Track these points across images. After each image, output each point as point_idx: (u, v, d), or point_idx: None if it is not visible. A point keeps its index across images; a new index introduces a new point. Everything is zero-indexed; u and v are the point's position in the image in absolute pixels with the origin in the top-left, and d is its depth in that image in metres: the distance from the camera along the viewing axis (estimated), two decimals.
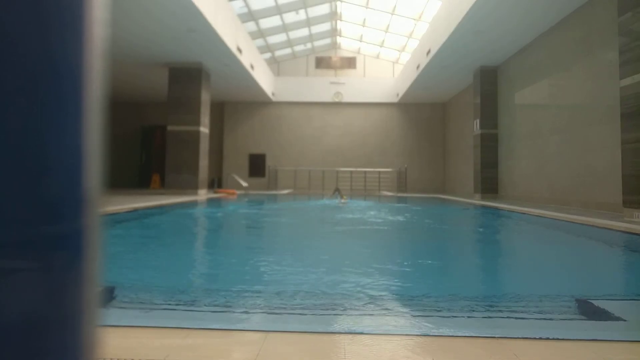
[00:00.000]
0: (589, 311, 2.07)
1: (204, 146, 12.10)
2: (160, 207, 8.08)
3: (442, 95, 16.46)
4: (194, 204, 9.65)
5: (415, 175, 17.68)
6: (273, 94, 17.52)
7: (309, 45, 18.65)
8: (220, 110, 17.87)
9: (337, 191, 11.01)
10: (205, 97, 12.08)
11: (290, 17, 15.52)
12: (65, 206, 0.50)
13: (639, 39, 5.73)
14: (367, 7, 15.12)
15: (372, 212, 8.37)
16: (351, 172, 17.43)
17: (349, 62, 19.34)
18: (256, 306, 2.15)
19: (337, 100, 17.88)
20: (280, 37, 17.20)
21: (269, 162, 17.91)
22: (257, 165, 18.03)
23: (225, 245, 4.89)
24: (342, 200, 10.41)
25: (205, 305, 2.16)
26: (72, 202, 0.51)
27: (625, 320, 1.91)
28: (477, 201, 10.67)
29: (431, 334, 1.67)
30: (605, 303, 2.17)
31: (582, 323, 1.93)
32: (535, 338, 1.61)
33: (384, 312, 2.05)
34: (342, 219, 7.09)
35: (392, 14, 14.91)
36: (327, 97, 17.94)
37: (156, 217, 7.05)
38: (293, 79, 18.36)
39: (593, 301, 2.19)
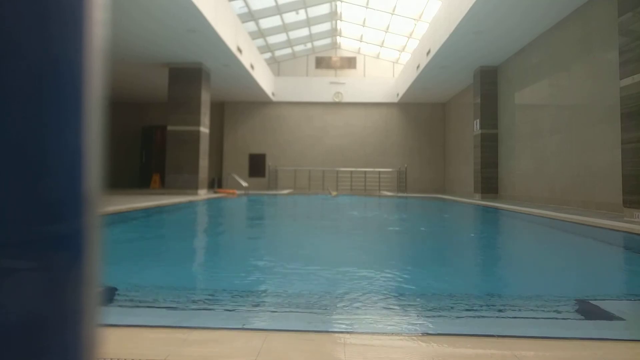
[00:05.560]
0: (589, 311, 2.07)
1: (204, 146, 12.10)
2: (160, 207, 8.08)
3: (442, 96, 16.46)
4: (194, 203, 9.65)
5: (415, 175, 17.68)
6: (273, 94, 17.52)
7: (309, 45, 18.64)
8: (220, 110, 17.88)
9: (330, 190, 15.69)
10: (205, 97, 12.09)
11: (290, 17, 15.51)
12: (65, 206, 0.50)
13: (639, 39, 5.74)
14: (367, 7, 15.12)
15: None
16: (351, 172, 17.43)
17: (349, 62, 19.34)
18: (256, 306, 2.15)
19: (337, 100, 17.88)
20: (280, 37, 17.19)
21: (269, 162, 17.91)
22: (257, 165, 18.03)
23: (234, 235, 4.90)
24: (333, 194, 14.25)
25: (205, 305, 2.16)
26: (72, 202, 0.51)
27: (625, 320, 1.91)
28: (477, 201, 10.67)
29: (431, 333, 1.67)
30: (605, 303, 2.18)
31: (582, 323, 1.93)
32: (535, 337, 1.61)
33: (384, 311, 2.06)
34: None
35: (392, 14, 14.91)
36: (327, 97, 17.94)
37: (157, 217, 7.05)
38: (293, 79, 18.36)
39: (593, 301, 2.19)
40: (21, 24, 0.45)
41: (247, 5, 13.88)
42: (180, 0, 7.80)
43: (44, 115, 0.48)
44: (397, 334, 1.68)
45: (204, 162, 12.08)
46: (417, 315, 2.03)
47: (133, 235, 5.20)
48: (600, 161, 7.44)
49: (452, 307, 2.13)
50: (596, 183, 7.54)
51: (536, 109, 9.86)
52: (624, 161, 6.06)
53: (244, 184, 14.94)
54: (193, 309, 2.07)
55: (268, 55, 18.23)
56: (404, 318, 2.00)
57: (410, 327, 1.83)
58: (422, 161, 17.89)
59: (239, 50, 11.47)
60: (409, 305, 2.24)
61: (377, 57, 19.27)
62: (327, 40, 18.75)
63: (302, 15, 15.56)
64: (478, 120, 12.09)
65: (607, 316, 1.98)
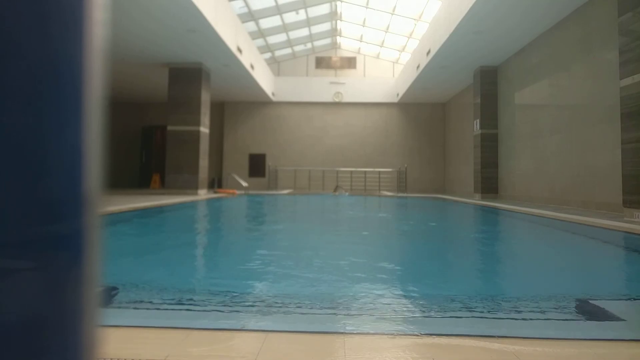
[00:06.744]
0: (589, 311, 2.07)
1: (204, 146, 12.10)
2: (160, 207, 8.08)
3: (442, 96, 16.46)
4: (195, 203, 9.65)
5: (416, 175, 17.68)
6: (273, 94, 17.52)
7: (309, 45, 18.64)
8: (220, 110, 17.88)
9: (338, 187, 16.35)
10: (205, 97, 12.09)
11: (290, 17, 15.51)
12: (65, 206, 0.50)
13: (639, 39, 5.73)
14: (367, 7, 15.11)
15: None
16: (351, 172, 17.44)
17: (349, 62, 19.34)
18: (256, 306, 2.15)
19: (337, 100, 17.88)
20: (280, 37, 17.19)
21: (269, 162, 17.91)
22: (257, 165, 18.03)
23: (239, 231, 4.90)
24: (336, 193, 15.39)
25: (205, 305, 2.16)
26: (72, 202, 0.51)
27: (625, 320, 1.91)
28: (477, 201, 10.67)
29: (431, 333, 1.67)
30: (605, 303, 2.17)
31: (582, 323, 1.93)
32: (535, 338, 1.61)
33: (384, 311, 2.05)
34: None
35: (392, 14, 14.91)
36: (327, 97, 17.94)
37: (157, 217, 7.05)
38: (293, 79, 18.36)
39: (593, 301, 2.19)
40: (21, 24, 0.45)
41: (247, 5, 13.88)
42: (180, 0, 7.80)
43: (44, 115, 0.48)
44: (397, 334, 1.68)
45: (204, 162, 12.08)
46: (418, 316, 2.03)
47: (133, 234, 5.19)
48: (600, 161, 7.44)
49: (452, 308, 2.13)
50: (596, 183, 7.54)
51: (536, 109, 9.85)
52: (624, 161, 6.06)
53: (244, 184, 14.95)
54: (193, 310, 2.06)
55: (268, 55, 18.22)
56: (404, 318, 2.00)
57: (410, 327, 1.83)
58: (422, 161, 17.89)
59: (239, 50, 11.47)
60: (409, 305, 2.24)
61: (377, 57, 19.26)
62: (327, 40, 18.75)
63: (302, 15, 15.56)
64: (478, 120, 12.09)
65: (607, 316, 1.98)
